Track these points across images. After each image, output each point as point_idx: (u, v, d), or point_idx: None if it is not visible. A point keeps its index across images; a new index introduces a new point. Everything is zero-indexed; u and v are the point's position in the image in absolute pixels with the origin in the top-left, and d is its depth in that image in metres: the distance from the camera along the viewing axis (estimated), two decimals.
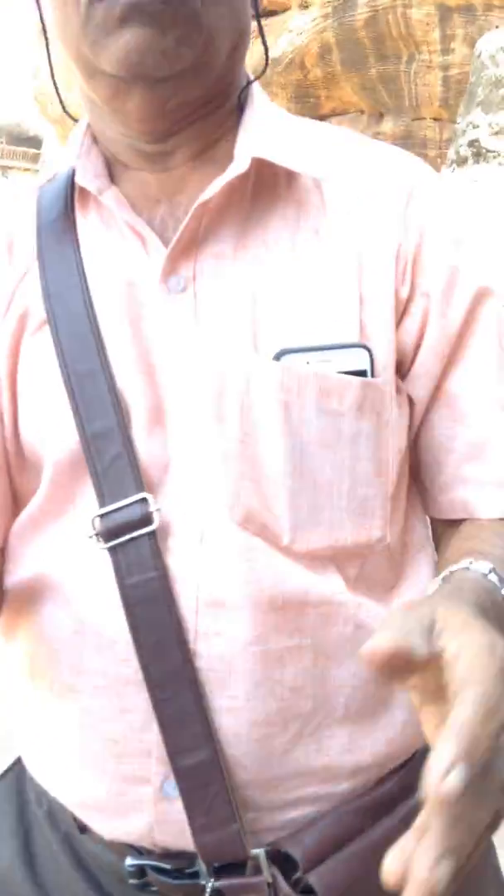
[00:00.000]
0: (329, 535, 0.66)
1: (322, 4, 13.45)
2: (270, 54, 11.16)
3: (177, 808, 0.64)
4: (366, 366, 0.65)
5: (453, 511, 0.73)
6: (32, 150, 42.95)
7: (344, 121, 14.43)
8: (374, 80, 13.66)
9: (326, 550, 0.67)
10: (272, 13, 14.35)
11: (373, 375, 0.66)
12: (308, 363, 0.64)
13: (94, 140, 0.76)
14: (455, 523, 0.73)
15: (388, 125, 13.89)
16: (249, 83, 0.74)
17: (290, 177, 0.70)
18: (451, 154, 8.85)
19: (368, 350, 0.66)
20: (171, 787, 0.64)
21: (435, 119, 13.46)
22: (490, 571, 0.60)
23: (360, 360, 0.65)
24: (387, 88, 13.63)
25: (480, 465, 0.71)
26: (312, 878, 0.62)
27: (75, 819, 0.72)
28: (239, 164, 0.67)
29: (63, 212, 0.72)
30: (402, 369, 0.71)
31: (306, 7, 13.77)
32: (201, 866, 0.65)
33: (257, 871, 0.64)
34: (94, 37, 0.63)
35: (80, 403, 0.65)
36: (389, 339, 0.68)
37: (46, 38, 0.76)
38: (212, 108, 0.70)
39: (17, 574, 0.71)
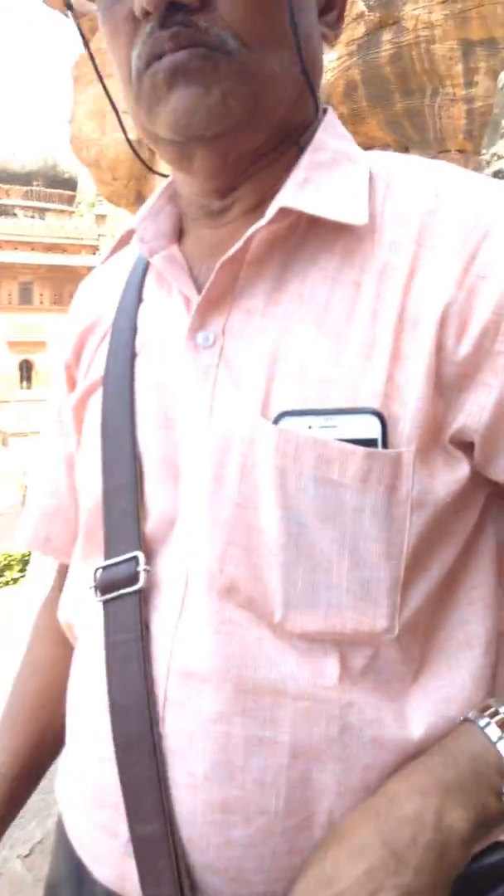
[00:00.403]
0: (326, 618, 0.59)
1: (347, 43, 13.76)
2: None
3: (135, 870, 0.62)
4: (375, 434, 0.58)
5: None
6: (68, 192, 43.98)
7: None
8: (400, 114, 13.89)
9: (325, 635, 0.60)
10: None
11: (385, 446, 0.59)
12: (310, 427, 0.59)
13: (171, 199, 0.75)
14: None
15: None
16: (307, 128, 0.69)
17: (339, 225, 0.64)
18: None
19: (380, 416, 0.59)
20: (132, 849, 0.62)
21: (460, 151, 13.62)
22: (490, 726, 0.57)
23: (369, 428, 0.59)
24: (412, 122, 13.85)
25: None
26: None
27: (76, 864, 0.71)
28: (266, 216, 0.63)
29: (141, 275, 0.74)
30: (482, 449, 0.62)
31: (332, 46, 14.09)
32: None
33: None
34: (148, 106, 0.64)
35: (106, 457, 0.68)
36: (419, 407, 0.59)
37: (115, 109, 0.79)
38: (278, 154, 0.68)
39: (66, 607, 0.78)
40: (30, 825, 2.16)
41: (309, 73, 0.66)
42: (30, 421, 30.10)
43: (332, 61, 14.06)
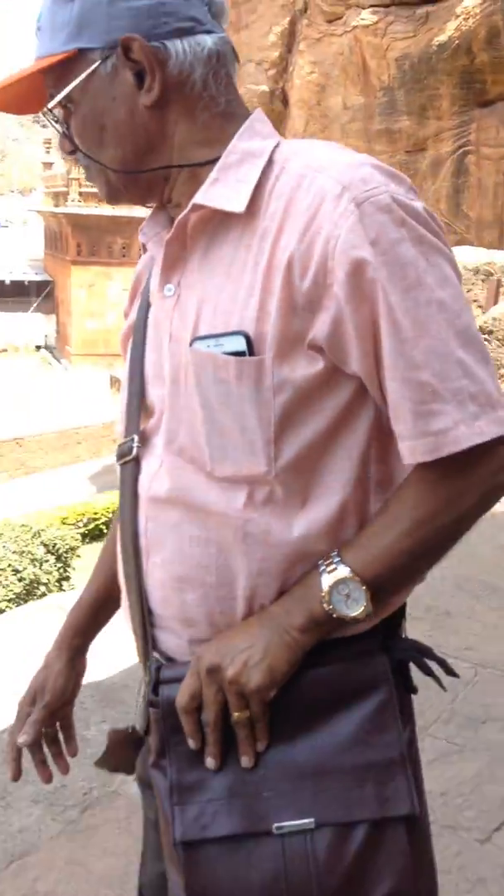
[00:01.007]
0: (233, 466, 0.91)
1: None
2: (438, 40, 10.91)
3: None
4: (242, 348, 0.87)
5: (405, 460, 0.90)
6: None
7: None
8: None
9: (235, 477, 0.91)
10: None
11: (251, 354, 0.87)
12: (208, 346, 0.89)
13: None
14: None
15: None
16: (218, 144, 0.96)
17: (230, 213, 0.92)
18: None
19: (246, 335, 0.87)
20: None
21: None
22: (327, 567, 0.89)
23: (238, 344, 0.88)
24: None
25: (401, 426, 0.88)
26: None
27: None
28: (184, 212, 0.93)
29: None
30: (328, 349, 0.88)
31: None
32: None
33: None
34: None
35: (130, 371, 1.05)
36: (277, 328, 0.87)
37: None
38: (172, 180, 0.98)
39: None
40: None
41: (148, 145, 0.96)
42: None
43: (475, 6, 13.41)
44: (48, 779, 1.19)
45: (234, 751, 0.89)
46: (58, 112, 0.97)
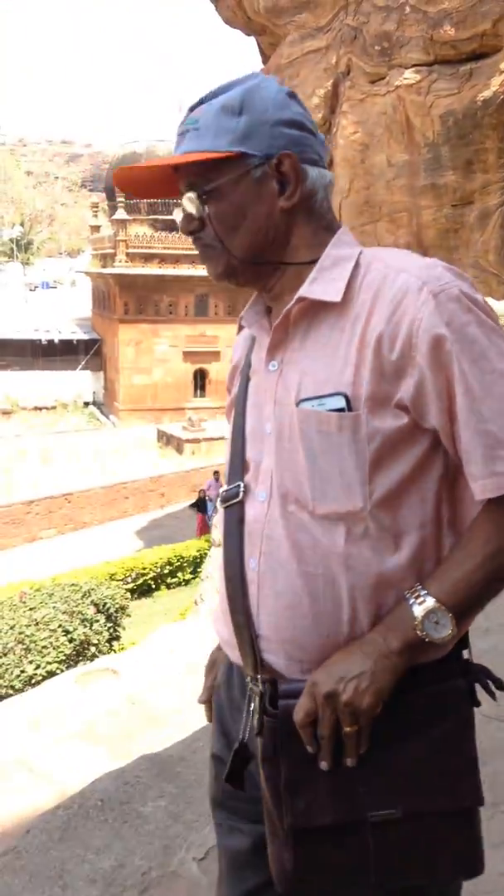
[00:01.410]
0: (333, 504, 1.10)
1: None
2: (483, 96, 11.09)
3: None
4: (342, 405, 1.10)
5: (476, 497, 1.10)
6: None
7: None
8: None
9: (334, 515, 1.10)
10: (482, 55, 14.27)
11: (350, 410, 1.10)
12: (313, 406, 1.12)
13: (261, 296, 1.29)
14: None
15: None
16: (315, 249, 1.21)
17: (325, 304, 1.16)
18: None
19: (345, 395, 1.10)
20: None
21: None
22: (416, 600, 1.07)
23: (338, 402, 1.10)
24: None
25: (472, 467, 1.09)
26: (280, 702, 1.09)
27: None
28: (290, 302, 1.18)
29: (251, 341, 1.32)
30: (412, 408, 1.11)
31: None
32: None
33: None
34: None
35: (233, 432, 1.27)
36: (369, 390, 1.09)
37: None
38: (280, 273, 1.22)
39: None
40: (205, 829, 2.15)
41: (272, 241, 1.19)
42: (203, 429, 30.95)
43: None
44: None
45: (337, 754, 1.07)
46: (194, 198, 1.17)
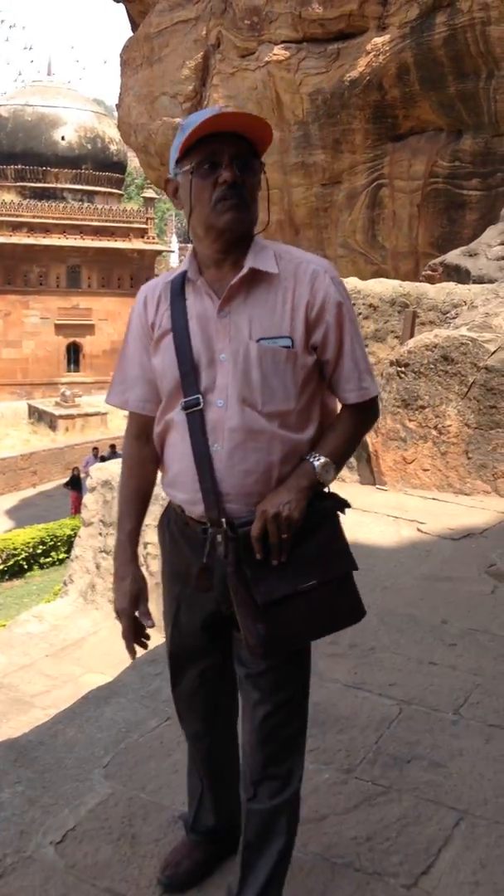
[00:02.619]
0: (275, 406, 1.64)
1: (400, 25, 13.50)
2: (350, 76, 11.37)
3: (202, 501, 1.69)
4: (288, 344, 1.64)
5: (343, 401, 1.74)
6: (117, 175, 44.06)
7: (422, 139, 14.40)
8: (453, 98, 13.59)
9: (275, 412, 1.64)
10: (350, 35, 14.47)
11: (292, 347, 1.64)
12: (268, 343, 1.63)
13: (194, 255, 1.73)
14: (343, 409, 1.75)
15: (467, 142, 13.77)
16: (255, 234, 1.70)
17: (265, 273, 1.66)
18: None
19: (291, 338, 1.64)
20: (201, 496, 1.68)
21: None
22: (316, 460, 1.66)
23: (286, 342, 1.64)
24: (466, 106, 13.55)
25: (348, 385, 1.72)
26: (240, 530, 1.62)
27: (182, 513, 1.75)
28: (244, 270, 1.65)
29: (181, 286, 1.73)
30: (319, 347, 1.68)
31: (384, 28, 13.84)
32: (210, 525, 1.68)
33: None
34: (215, 215, 1.62)
35: (180, 361, 1.67)
36: (301, 336, 1.65)
37: (190, 208, 1.65)
38: (244, 242, 1.68)
39: (160, 423, 1.76)
40: (62, 812, 2.17)
41: (256, 216, 1.69)
42: (78, 404, 30.40)
43: (385, 44, 13.80)
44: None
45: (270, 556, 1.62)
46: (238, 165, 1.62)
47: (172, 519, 1.80)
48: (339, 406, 1.77)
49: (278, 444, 1.66)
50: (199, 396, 1.66)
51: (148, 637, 1.88)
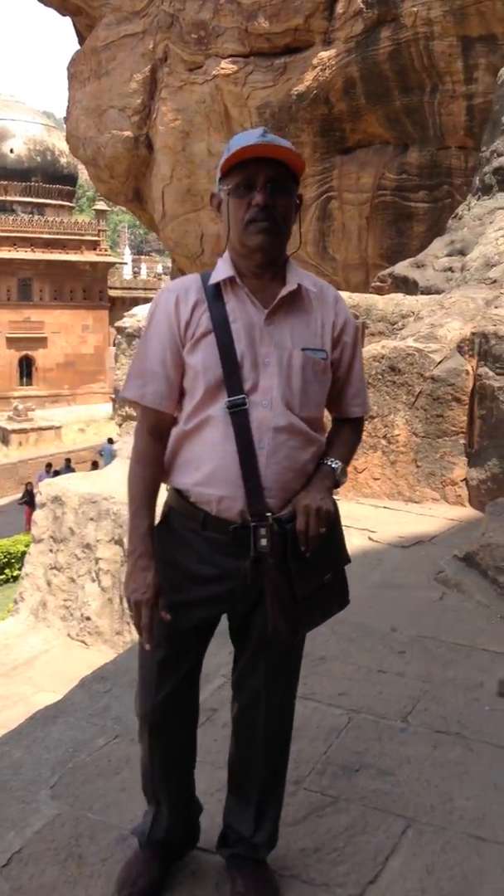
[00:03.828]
0: (308, 412, 1.79)
1: (345, 40, 13.68)
2: (297, 90, 11.53)
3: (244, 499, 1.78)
4: (325, 357, 1.81)
5: (347, 415, 1.96)
6: (67, 188, 43.83)
7: (370, 152, 14.60)
8: (399, 111, 13.81)
9: (308, 416, 1.79)
10: (296, 50, 14.63)
11: (325, 359, 1.81)
12: (310, 353, 1.78)
13: (233, 264, 1.80)
14: (339, 420, 1.96)
15: (413, 155, 13.99)
16: (290, 254, 1.84)
17: (305, 291, 1.81)
18: (476, 182, 8.93)
19: (325, 352, 1.81)
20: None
21: (460, 148, 13.55)
22: (334, 464, 1.84)
23: (323, 355, 1.81)
24: (411, 119, 13.77)
25: (355, 401, 1.95)
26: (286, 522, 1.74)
27: (201, 515, 1.81)
28: (292, 284, 1.79)
29: (218, 289, 1.79)
30: (335, 363, 1.87)
31: (330, 42, 14.02)
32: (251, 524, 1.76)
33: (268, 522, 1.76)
34: (247, 235, 1.74)
35: (224, 360, 1.73)
36: (329, 351, 1.83)
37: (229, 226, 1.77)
38: (279, 260, 1.81)
39: (192, 420, 1.79)
40: (8, 835, 2.14)
41: (289, 237, 1.80)
42: (31, 418, 30.07)
43: (331, 58, 13.98)
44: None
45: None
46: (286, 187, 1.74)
47: (179, 525, 1.84)
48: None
49: (310, 445, 1.81)
50: (244, 396, 1.73)
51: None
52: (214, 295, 1.78)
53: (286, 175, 1.72)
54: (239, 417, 1.73)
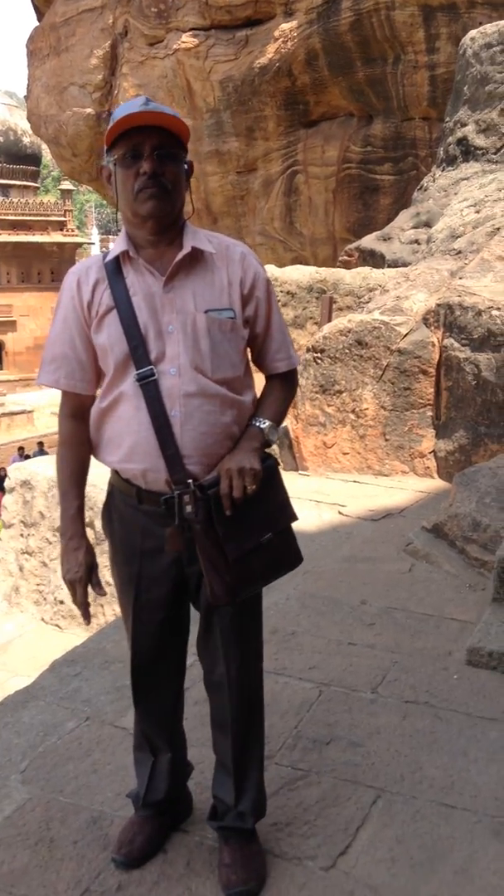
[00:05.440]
0: (223, 373, 1.79)
1: (306, 11, 13.53)
2: (259, 63, 11.40)
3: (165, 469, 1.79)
4: (232, 316, 1.80)
5: (272, 371, 1.95)
6: (31, 168, 43.12)
7: (334, 125, 14.49)
8: (362, 83, 13.71)
9: (223, 378, 1.79)
10: (258, 22, 14.44)
11: (233, 318, 1.80)
12: (215, 315, 1.77)
13: (128, 237, 1.80)
14: (269, 378, 1.96)
15: (377, 127, 13.91)
16: (187, 219, 1.84)
17: (203, 252, 1.80)
18: (440, 154, 8.89)
19: (233, 310, 1.80)
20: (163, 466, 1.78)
21: (424, 119, 13.49)
22: (262, 424, 1.84)
23: (230, 314, 1.79)
24: (375, 91, 13.68)
25: (278, 356, 1.93)
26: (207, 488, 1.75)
27: (134, 490, 1.83)
28: (186, 248, 1.78)
29: (117, 264, 1.80)
30: (251, 320, 1.86)
31: (291, 14, 13.86)
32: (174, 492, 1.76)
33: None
34: (138, 203, 1.74)
35: (128, 334, 1.74)
36: (239, 310, 1.81)
37: (116, 195, 1.77)
38: (175, 226, 1.80)
39: (107, 398, 1.81)
40: None
41: (182, 202, 1.81)
42: (2, 403, 29.77)
43: (293, 30, 13.82)
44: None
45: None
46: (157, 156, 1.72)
47: (120, 501, 1.88)
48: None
49: (229, 407, 1.80)
50: (152, 367, 1.74)
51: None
52: (114, 271, 1.79)
53: (172, 142, 1.73)
54: (149, 389, 1.74)
